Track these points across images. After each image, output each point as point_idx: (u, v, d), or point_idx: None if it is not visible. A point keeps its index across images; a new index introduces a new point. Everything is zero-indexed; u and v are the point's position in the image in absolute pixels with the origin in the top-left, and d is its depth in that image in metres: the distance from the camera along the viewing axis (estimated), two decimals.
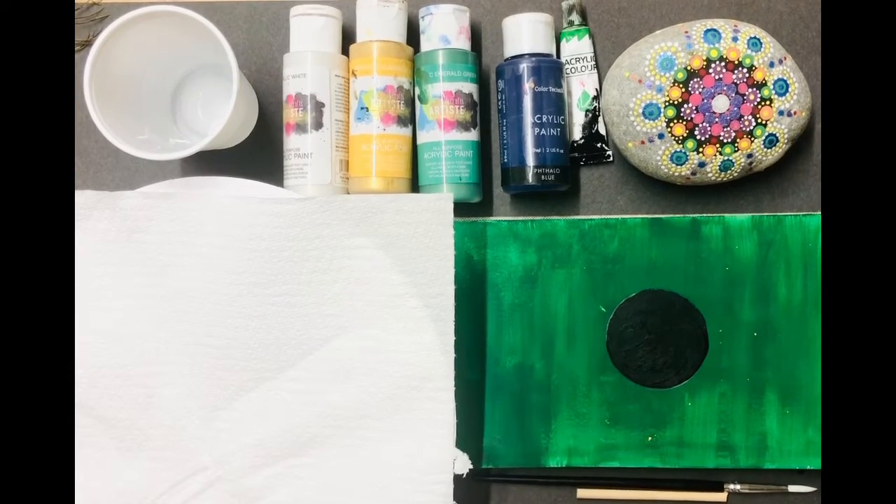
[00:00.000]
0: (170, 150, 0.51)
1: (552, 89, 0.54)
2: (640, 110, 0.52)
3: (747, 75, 0.51)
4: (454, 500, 0.49)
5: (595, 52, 0.57)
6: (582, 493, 0.55)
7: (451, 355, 0.49)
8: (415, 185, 0.56)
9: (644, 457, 0.54)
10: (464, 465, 0.49)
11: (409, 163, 0.55)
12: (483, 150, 0.57)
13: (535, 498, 0.55)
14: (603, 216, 0.55)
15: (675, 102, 0.51)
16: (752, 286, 0.54)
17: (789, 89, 0.52)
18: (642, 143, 0.52)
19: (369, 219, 0.50)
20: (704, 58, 0.51)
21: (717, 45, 0.51)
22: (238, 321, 0.50)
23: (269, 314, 0.50)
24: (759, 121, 0.52)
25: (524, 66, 0.54)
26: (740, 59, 0.51)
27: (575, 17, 0.57)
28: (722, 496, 0.55)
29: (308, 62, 0.54)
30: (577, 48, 0.56)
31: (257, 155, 0.58)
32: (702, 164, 0.52)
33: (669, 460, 0.54)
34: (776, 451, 0.53)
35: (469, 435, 0.54)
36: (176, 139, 0.55)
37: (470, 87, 0.54)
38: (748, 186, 0.57)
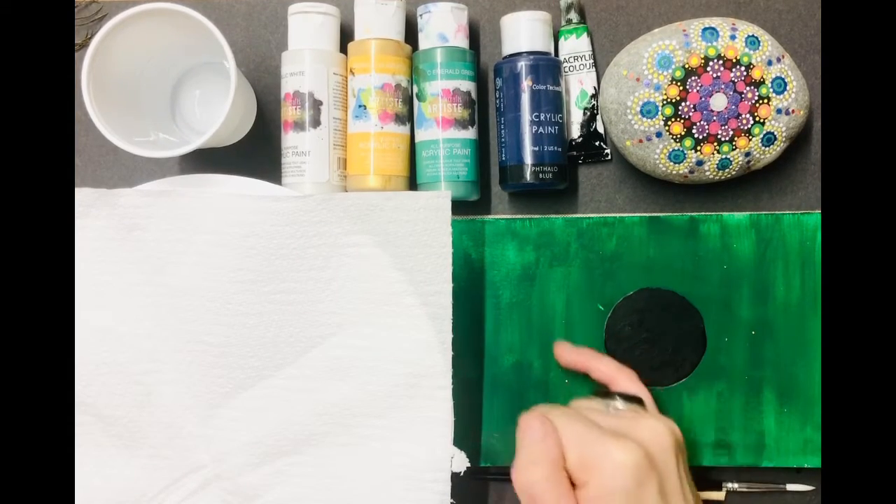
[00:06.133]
0: (168, 147, 0.51)
1: (550, 87, 0.54)
2: (638, 108, 0.52)
3: (745, 73, 0.51)
4: (451, 498, 0.48)
5: (593, 50, 0.57)
6: None
7: (449, 353, 0.49)
8: (413, 183, 0.56)
9: None
10: (461, 463, 0.49)
11: (406, 161, 0.55)
12: (481, 148, 0.57)
13: None
14: (601, 214, 0.55)
15: (673, 101, 0.51)
16: (750, 285, 0.54)
17: (787, 88, 0.52)
18: (640, 141, 0.52)
19: (367, 216, 0.50)
20: (702, 56, 0.51)
21: (714, 44, 0.51)
22: (236, 319, 0.50)
23: (267, 312, 0.50)
24: (757, 119, 0.52)
25: (522, 65, 0.54)
26: (738, 58, 0.51)
27: (573, 16, 0.57)
28: (720, 495, 0.55)
29: (306, 60, 0.54)
30: (575, 46, 0.56)
31: (255, 153, 0.58)
32: (700, 163, 0.52)
33: None
34: (774, 450, 0.53)
35: (467, 433, 0.54)
36: (174, 137, 0.56)
37: (468, 86, 0.54)
38: (746, 185, 0.57)
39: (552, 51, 0.55)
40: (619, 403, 0.46)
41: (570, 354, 0.52)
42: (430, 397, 0.49)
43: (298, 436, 0.50)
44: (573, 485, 0.41)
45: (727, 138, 0.52)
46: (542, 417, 0.43)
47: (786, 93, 0.52)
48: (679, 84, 0.51)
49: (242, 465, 0.50)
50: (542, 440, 0.42)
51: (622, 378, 0.49)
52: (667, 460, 0.42)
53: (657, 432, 0.42)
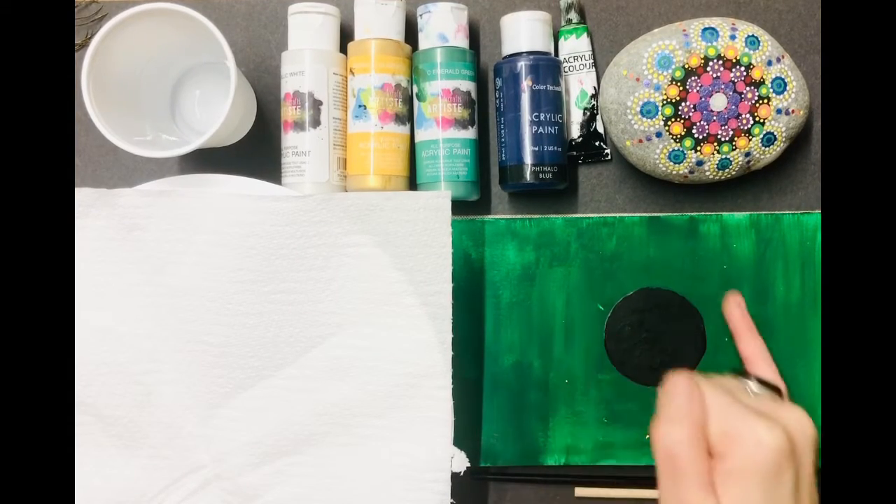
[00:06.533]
0: (168, 147, 0.51)
1: (550, 87, 0.54)
2: (638, 109, 0.52)
3: (745, 73, 0.51)
4: (451, 498, 0.49)
5: (593, 50, 0.57)
6: (580, 491, 0.55)
7: (449, 353, 0.49)
8: (413, 183, 0.56)
9: (642, 455, 0.54)
10: (461, 463, 0.49)
11: (406, 161, 0.55)
12: (481, 148, 0.57)
13: (532, 496, 0.55)
14: (601, 214, 0.55)
15: (673, 101, 0.51)
16: (750, 285, 0.54)
17: (787, 88, 0.52)
18: (640, 141, 0.52)
19: (367, 216, 0.50)
20: (702, 56, 0.51)
21: (714, 44, 0.51)
22: (236, 319, 0.50)
23: (267, 312, 0.50)
24: (757, 119, 0.52)
25: (522, 65, 0.54)
26: (738, 58, 0.51)
27: (573, 16, 0.57)
28: None
29: (306, 60, 0.54)
30: (575, 46, 0.56)
31: (255, 153, 0.58)
32: (699, 163, 0.52)
33: None
34: None
35: (467, 433, 0.54)
36: (174, 137, 0.56)
37: (468, 85, 0.54)
38: (746, 185, 0.57)
39: (552, 51, 0.55)
40: (754, 386, 0.45)
41: (735, 312, 0.51)
42: (430, 397, 0.49)
43: (298, 436, 0.50)
44: (709, 454, 0.40)
45: (727, 138, 0.52)
46: (690, 379, 0.42)
47: (786, 93, 0.52)
48: (679, 84, 0.51)
49: (242, 465, 0.50)
50: (688, 401, 0.40)
51: (765, 363, 0.48)
52: (807, 453, 0.40)
53: (802, 423, 0.41)
